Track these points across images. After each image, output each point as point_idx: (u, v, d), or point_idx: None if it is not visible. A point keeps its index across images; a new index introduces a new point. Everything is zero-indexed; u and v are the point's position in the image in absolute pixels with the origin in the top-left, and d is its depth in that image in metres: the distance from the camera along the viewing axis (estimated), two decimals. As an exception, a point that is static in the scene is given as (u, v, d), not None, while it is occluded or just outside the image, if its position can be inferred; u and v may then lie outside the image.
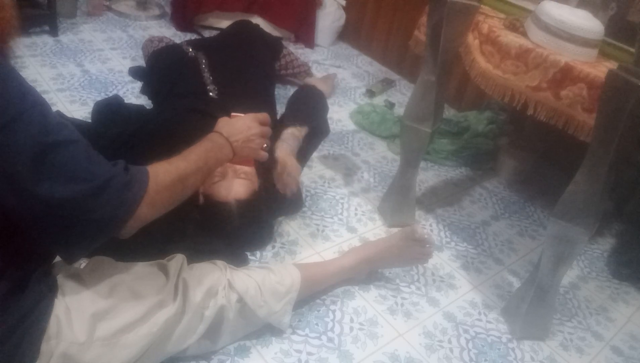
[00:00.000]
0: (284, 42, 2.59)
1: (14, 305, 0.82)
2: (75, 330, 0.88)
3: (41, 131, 0.73)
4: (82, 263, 1.02)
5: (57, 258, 0.96)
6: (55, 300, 0.88)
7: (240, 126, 1.16)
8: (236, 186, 1.36)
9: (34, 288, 0.85)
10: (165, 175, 0.89)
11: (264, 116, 1.23)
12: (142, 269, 1.05)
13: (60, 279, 0.92)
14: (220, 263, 1.17)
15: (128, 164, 0.84)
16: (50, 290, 0.88)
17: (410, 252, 1.43)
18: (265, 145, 1.23)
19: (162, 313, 0.99)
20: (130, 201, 0.81)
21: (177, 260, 1.10)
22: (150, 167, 0.88)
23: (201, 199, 1.39)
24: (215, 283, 1.09)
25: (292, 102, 1.73)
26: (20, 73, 0.75)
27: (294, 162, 1.44)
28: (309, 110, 1.68)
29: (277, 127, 1.82)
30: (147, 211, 0.84)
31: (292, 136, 1.55)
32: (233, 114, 1.22)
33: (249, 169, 1.40)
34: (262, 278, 1.17)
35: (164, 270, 1.06)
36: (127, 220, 0.81)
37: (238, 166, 1.37)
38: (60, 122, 0.76)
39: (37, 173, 0.72)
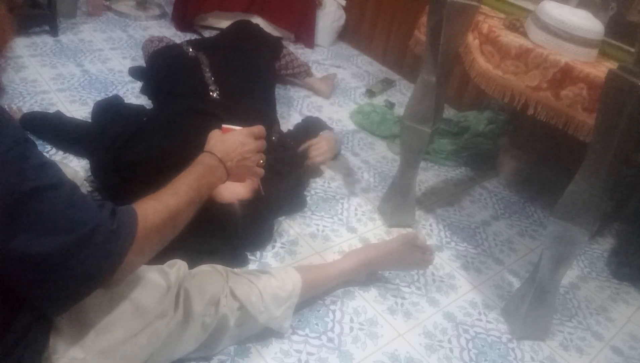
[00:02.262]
0: (284, 42, 2.59)
1: (13, 322, 0.79)
2: (75, 345, 0.86)
3: (17, 178, 0.64)
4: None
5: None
6: None
7: (234, 143, 1.07)
8: (238, 186, 1.36)
9: (32, 304, 0.81)
10: (154, 216, 0.82)
11: (259, 129, 1.14)
12: (142, 277, 1.01)
13: None
14: (221, 268, 1.16)
15: (115, 207, 0.77)
16: None
17: (410, 257, 1.42)
18: (262, 161, 1.15)
19: (163, 323, 0.97)
20: (117, 252, 0.75)
21: (179, 268, 1.08)
22: (138, 207, 0.81)
23: None
24: (216, 291, 1.08)
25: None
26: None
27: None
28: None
29: (274, 127, 1.83)
30: (135, 259, 0.79)
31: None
32: (225, 127, 1.12)
33: None
34: (263, 283, 1.16)
35: (165, 278, 1.04)
36: (113, 272, 0.76)
37: None
38: (41, 163, 0.68)
39: (11, 226, 0.64)
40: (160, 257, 1.12)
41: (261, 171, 1.15)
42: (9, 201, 0.64)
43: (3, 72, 0.74)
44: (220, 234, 1.38)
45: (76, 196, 0.72)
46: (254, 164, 1.11)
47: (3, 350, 0.78)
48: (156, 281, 1.02)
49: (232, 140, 1.07)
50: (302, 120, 2.08)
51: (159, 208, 0.84)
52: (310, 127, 1.94)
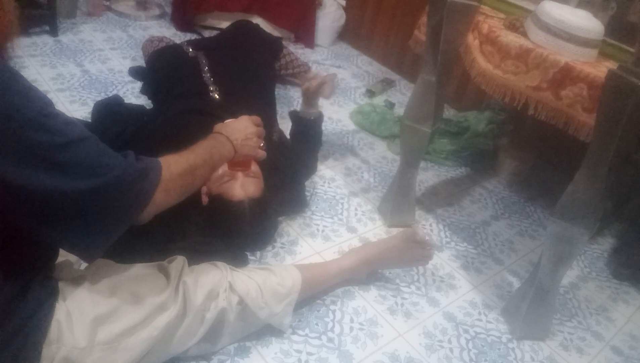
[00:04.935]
0: (284, 42, 2.59)
1: (15, 310, 0.81)
2: (76, 335, 0.88)
3: (51, 134, 0.73)
4: (83, 266, 1.02)
5: (60, 260, 0.96)
6: (56, 304, 0.88)
7: (238, 125, 1.21)
8: (248, 185, 1.36)
9: (35, 293, 0.85)
10: (176, 165, 0.92)
11: (257, 118, 1.29)
12: (142, 271, 1.04)
13: (61, 283, 0.92)
14: (221, 264, 1.16)
15: (137, 155, 0.86)
16: (51, 295, 0.88)
17: (410, 254, 1.43)
18: (262, 144, 1.28)
19: (163, 316, 0.99)
20: (147, 188, 0.84)
21: (178, 262, 1.09)
22: (161, 158, 0.90)
23: (205, 199, 1.39)
24: (216, 285, 1.09)
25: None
26: (20, 73, 0.75)
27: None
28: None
29: (275, 126, 1.83)
30: (162, 197, 0.87)
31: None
32: (227, 121, 1.27)
33: (256, 169, 1.40)
34: (263, 279, 1.16)
35: (165, 272, 1.06)
36: (145, 206, 0.84)
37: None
38: (68, 120, 0.76)
39: (52, 175, 0.73)
40: (161, 256, 1.13)
41: (263, 153, 1.28)
42: (48, 155, 0.72)
43: (10, 60, 0.79)
44: (228, 232, 1.38)
45: (102, 145, 0.81)
46: (256, 146, 1.25)
47: (5, 338, 0.80)
48: (156, 275, 1.04)
49: (236, 123, 1.22)
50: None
51: (179, 159, 0.94)
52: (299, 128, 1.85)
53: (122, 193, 0.80)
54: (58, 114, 0.75)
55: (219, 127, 1.19)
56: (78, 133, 0.76)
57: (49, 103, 0.75)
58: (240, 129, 1.20)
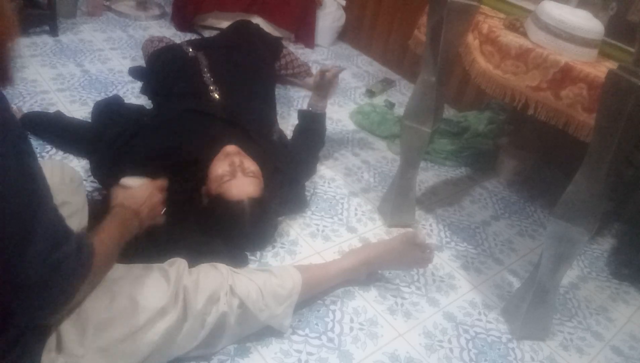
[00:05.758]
0: (284, 42, 2.59)
1: (14, 318, 0.80)
2: (74, 342, 0.87)
3: (20, 172, 0.68)
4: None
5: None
6: None
7: (142, 196, 1.17)
8: (247, 185, 1.36)
9: None
10: (103, 254, 0.88)
11: (162, 183, 1.27)
12: (142, 275, 1.03)
13: None
14: (221, 266, 1.16)
15: (78, 237, 0.81)
16: None
17: (410, 256, 1.42)
18: (164, 209, 1.26)
19: (163, 321, 0.98)
20: (74, 284, 0.80)
21: (179, 266, 1.09)
22: (92, 241, 0.86)
23: (205, 200, 1.39)
24: (216, 289, 1.08)
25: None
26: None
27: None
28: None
29: (274, 127, 1.83)
30: (80, 294, 0.85)
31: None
32: (123, 181, 1.21)
33: (256, 169, 1.40)
34: (263, 281, 1.16)
35: (165, 276, 1.05)
36: (68, 302, 0.81)
37: (246, 165, 1.38)
38: (38, 166, 0.71)
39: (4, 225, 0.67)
40: (161, 256, 1.13)
41: (161, 220, 1.25)
42: (14, 205, 0.66)
43: (11, 60, 0.76)
44: (228, 232, 1.38)
45: (56, 213, 0.76)
46: (158, 213, 1.24)
47: (5, 347, 0.79)
48: (156, 279, 1.03)
49: (139, 194, 1.18)
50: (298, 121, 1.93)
51: (103, 244, 0.90)
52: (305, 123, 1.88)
53: (65, 274, 0.75)
54: (31, 153, 0.71)
55: (121, 199, 1.14)
56: (44, 188, 0.72)
57: (24, 138, 0.71)
58: (145, 200, 1.17)
